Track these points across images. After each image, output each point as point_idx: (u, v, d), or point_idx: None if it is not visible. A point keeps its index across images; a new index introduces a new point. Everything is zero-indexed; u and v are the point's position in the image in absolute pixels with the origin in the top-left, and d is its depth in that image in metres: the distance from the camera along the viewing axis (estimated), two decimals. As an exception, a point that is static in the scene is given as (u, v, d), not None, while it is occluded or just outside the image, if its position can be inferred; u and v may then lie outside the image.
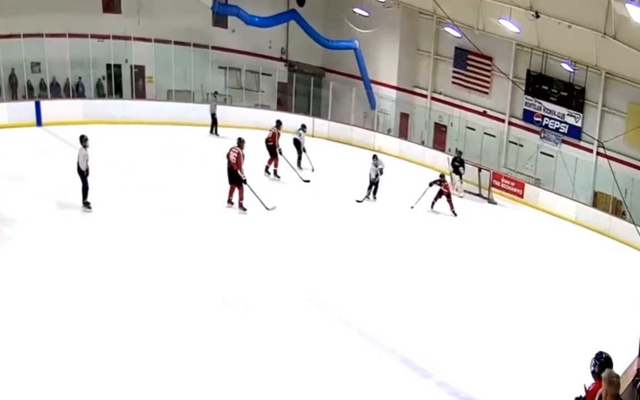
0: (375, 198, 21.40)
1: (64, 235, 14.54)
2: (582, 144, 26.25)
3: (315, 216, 18.62)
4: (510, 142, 28.71)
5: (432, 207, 21.67)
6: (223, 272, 13.52)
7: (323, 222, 18.29)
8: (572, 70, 25.69)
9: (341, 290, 13.66)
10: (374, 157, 21.79)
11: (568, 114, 26.60)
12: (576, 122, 26.37)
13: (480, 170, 25.69)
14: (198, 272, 13.37)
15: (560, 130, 26.95)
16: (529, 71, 27.54)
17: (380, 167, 21.23)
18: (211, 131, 27.43)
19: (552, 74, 26.72)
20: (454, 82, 30.54)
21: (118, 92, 29.17)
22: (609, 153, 21.78)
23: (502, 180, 26.43)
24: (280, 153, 21.63)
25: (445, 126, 31.00)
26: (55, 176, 18.74)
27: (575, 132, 26.50)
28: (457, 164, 24.78)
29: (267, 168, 21.81)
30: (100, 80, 29.01)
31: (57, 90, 27.81)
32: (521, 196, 25.90)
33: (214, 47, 30.84)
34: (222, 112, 28.80)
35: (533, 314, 14.20)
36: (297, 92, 32.79)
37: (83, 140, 16.30)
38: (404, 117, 32.32)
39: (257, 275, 13.66)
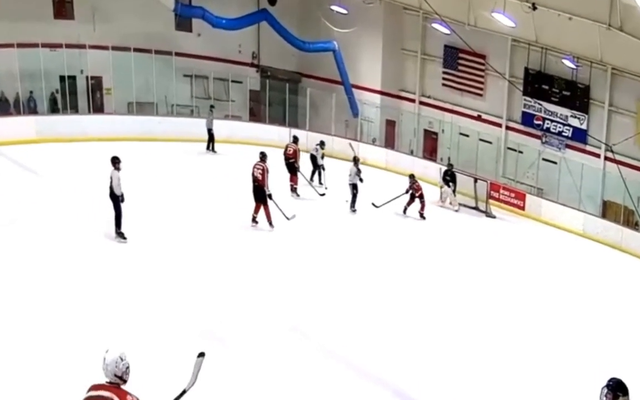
0: (354, 210, 21.98)
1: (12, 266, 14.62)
2: (588, 148, 26.32)
3: (301, 235, 19.05)
4: (509, 148, 28.82)
5: (404, 211, 22.65)
6: (206, 298, 14.02)
7: (309, 241, 18.79)
8: (574, 67, 25.78)
9: (328, 316, 13.87)
10: (355, 160, 22.61)
11: (572, 116, 26.68)
12: (581, 124, 26.49)
13: (476, 181, 25.61)
14: (189, 295, 14.01)
15: (563, 133, 27.09)
16: (527, 69, 27.60)
17: (358, 174, 22.03)
18: (208, 147, 27.84)
19: (553, 72, 26.81)
20: (444, 84, 30.60)
21: (74, 107, 29.12)
22: (618, 157, 21.61)
23: (501, 191, 26.54)
24: (299, 170, 22.92)
25: (436, 133, 31.06)
26: (5, 203, 18.74)
27: (580, 136, 26.57)
28: (448, 179, 24.98)
29: (293, 188, 23.10)
30: (54, 94, 29.07)
31: (6, 106, 27.95)
32: (522, 208, 26.00)
33: (177, 54, 31.04)
34: (188, 125, 29.43)
35: (539, 337, 14.23)
36: (271, 100, 32.91)
37: (116, 161, 16.45)
38: (390, 124, 32.42)
39: (239, 302, 14.08)
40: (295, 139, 24.15)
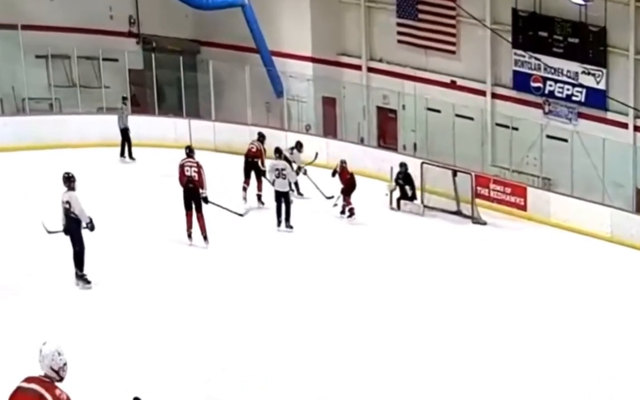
0: (291, 227, 22.67)
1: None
2: (609, 116, 26.24)
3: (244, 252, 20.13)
4: (498, 125, 28.65)
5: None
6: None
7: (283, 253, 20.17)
8: (583, 2, 25.49)
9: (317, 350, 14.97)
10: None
11: (583, 72, 26.39)
12: (597, 82, 26.24)
13: (455, 174, 25.38)
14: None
15: (573, 98, 26.92)
16: (515, 11, 27.44)
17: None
18: (122, 153, 27.80)
19: (553, 12, 26.65)
20: (400, 41, 30.38)
21: None
22: None
23: (492, 186, 26.14)
24: (264, 175, 23.72)
25: (394, 111, 30.87)
26: None
27: (597, 99, 26.38)
28: (402, 183, 25.20)
29: (258, 196, 23.97)
30: None
31: None
32: (523, 208, 25.53)
33: (25, 27, 30.10)
34: (43, 125, 28.61)
35: (560, 379, 14.80)
36: (161, 82, 32.44)
37: (71, 180, 16.79)
38: (329, 103, 32.16)
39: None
40: (262, 137, 24.79)
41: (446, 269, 20.39)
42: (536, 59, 27.07)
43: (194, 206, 19.73)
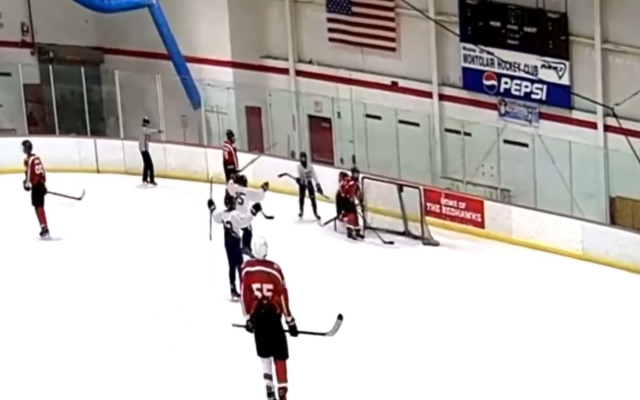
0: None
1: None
2: (574, 114, 25.93)
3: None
4: (448, 130, 28.29)
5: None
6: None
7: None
8: None
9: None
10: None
11: (543, 66, 26.10)
12: (559, 77, 25.98)
13: (401, 189, 24.60)
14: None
15: (533, 96, 26.71)
16: (462, 0, 27.06)
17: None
18: (145, 178, 27.71)
19: None
20: (332, 39, 29.87)
21: None
22: (625, 124, 20.77)
23: (443, 201, 25.56)
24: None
25: (328, 119, 30.41)
26: None
27: (560, 96, 26.03)
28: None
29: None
30: None
31: None
32: (481, 225, 24.90)
33: None
34: None
35: None
36: (61, 97, 31.38)
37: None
38: (254, 113, 31.59)
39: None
40: (230, 135, 26.00)
41: (395, 298, 19.51)
42: (488, 53, 26.45)
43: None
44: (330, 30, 29.51)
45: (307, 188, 25.73)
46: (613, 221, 24.47)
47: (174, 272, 21.05)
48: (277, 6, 30.87)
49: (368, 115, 28.78)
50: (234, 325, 14.50)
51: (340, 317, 11.66)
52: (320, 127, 30.48)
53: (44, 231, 21.41)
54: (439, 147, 28.26)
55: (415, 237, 23.97)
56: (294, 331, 13.18)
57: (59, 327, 16.60)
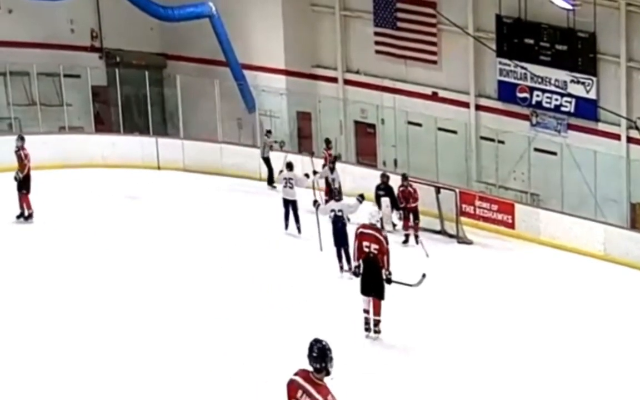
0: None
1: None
2: (601, 126, 26.25)
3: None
4: (483, 138, 28.73)
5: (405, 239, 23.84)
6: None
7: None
8: (570, 6, 25.50)
9: None
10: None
11: (572, 81, 26.40)
12: (587, 91, 26.23)
13: (438, 191, 25.29)
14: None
15: (562, 108, 26.92)
16: (499, 18, 27.46)
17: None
18: (269, 182, 28.38)
19: (539, 18, 26.71)
20: (378, 52, 30.30)
21: None
22: None
23: (477, 203, 26.24)
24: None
25: (373, 125, 30.86)
26: None
27: (587, 109, 26.40)
28: (382, 194, 24.73)
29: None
30: None
31: None
32: (511, 225, 25.57)
33: None
34: (2, 146, 26.94)
35: None
36: (126, 98, 31.95)
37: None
38: (304, 118, 32.15)
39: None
40: (328, 142, 27.68)
41: (431, 292, 19.08)
42: (522, 67, 27.10)
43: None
44: (377, 43, 30.07)
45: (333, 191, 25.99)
46: (633, 225, 24.84)
47: (235, 265, 20.91)
48: (328, 20, 31.22)
49: (409, 122, 29.29)
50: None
51: (424, 275, 15.78)
52: (365, 132, 31.07)
53: (29, 216, 22.12)
54: (474, 153, 28.68)
55: (451, 236, 24.71)
56: (389, 280, 16.62)
57: (114, 325, 16.28)
